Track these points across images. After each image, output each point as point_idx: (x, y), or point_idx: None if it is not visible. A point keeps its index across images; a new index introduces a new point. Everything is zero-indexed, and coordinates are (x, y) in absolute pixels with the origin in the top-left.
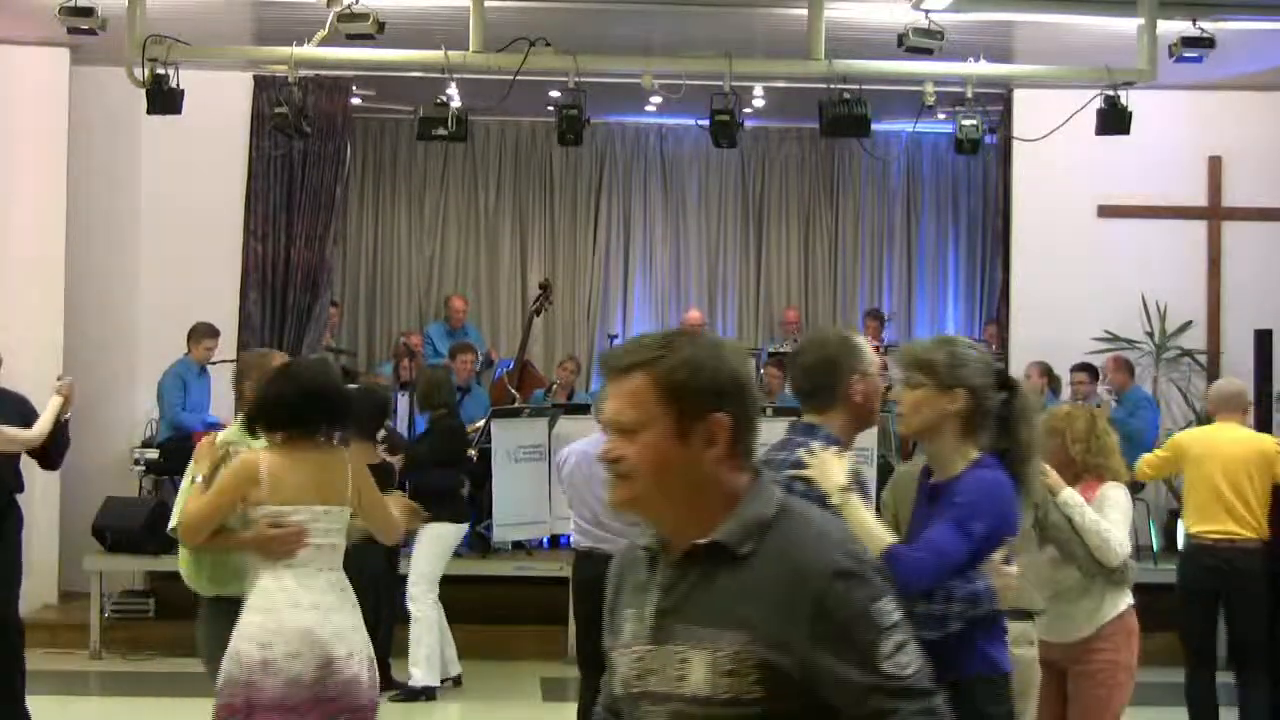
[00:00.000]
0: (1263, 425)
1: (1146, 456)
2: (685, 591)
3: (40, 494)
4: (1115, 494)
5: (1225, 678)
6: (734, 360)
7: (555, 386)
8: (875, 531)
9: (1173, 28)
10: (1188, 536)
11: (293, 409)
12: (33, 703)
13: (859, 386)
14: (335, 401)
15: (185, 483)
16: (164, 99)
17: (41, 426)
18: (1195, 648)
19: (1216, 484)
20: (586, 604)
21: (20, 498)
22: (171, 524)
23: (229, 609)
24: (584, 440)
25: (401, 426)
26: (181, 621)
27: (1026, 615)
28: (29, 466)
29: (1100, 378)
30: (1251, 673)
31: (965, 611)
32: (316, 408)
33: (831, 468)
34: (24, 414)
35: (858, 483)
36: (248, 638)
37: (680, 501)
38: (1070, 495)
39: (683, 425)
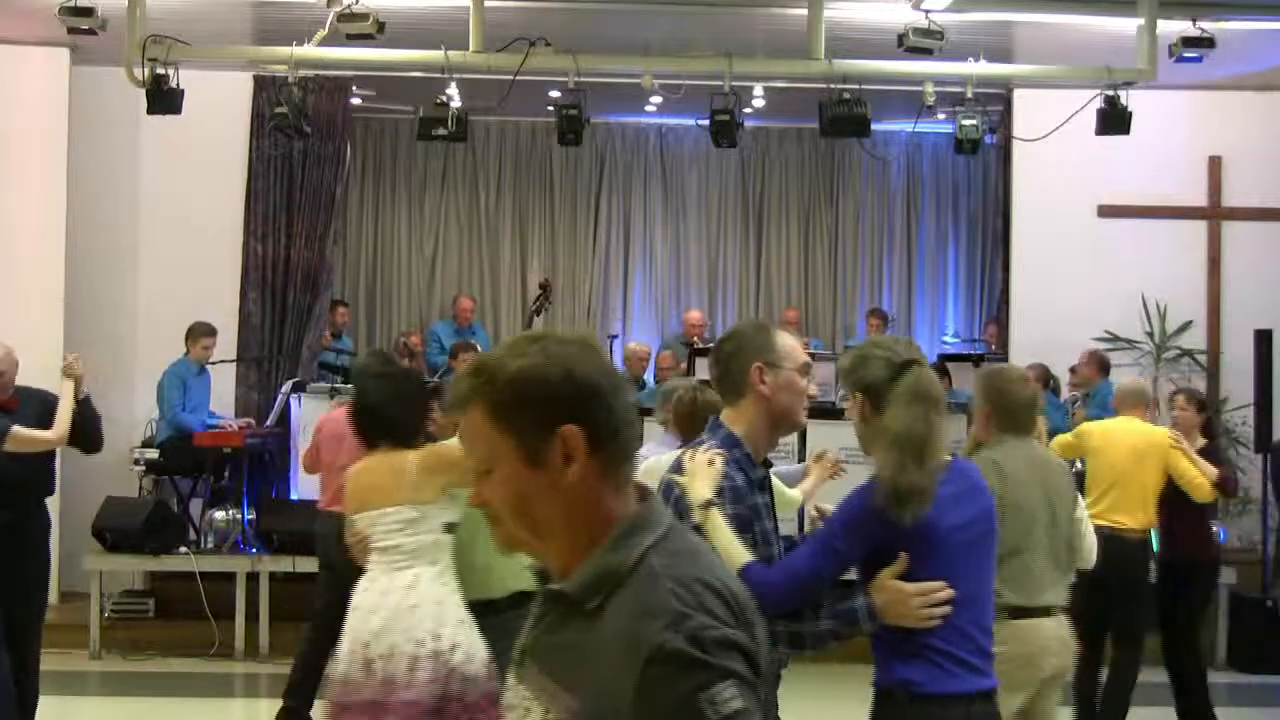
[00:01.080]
0: (1263, 427)
1: (1060, 438)
2: (544, 631)
3: None
4: None
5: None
6: (575, 361)
7: None
8: (732, 550)
9: (1173, 28)
10: None
11: (355, 421)
12: None
13: (766, 378)
14: (377, 413)
15: None
16: (164, 99)
17: (61, 420)
18: (1083, 634)
19: (1109, 474)
20: None
21: None
22: None
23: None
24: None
25: None
26: (181, 621)
27: (1046, 612)
28: None
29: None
30: (1128, 654)
31: (839, 631)
32: (368, 420)
33: (699, 478)
34: (50, 411)
35: (732, 490)
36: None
37: (555, 535)
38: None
39: (529, 448)
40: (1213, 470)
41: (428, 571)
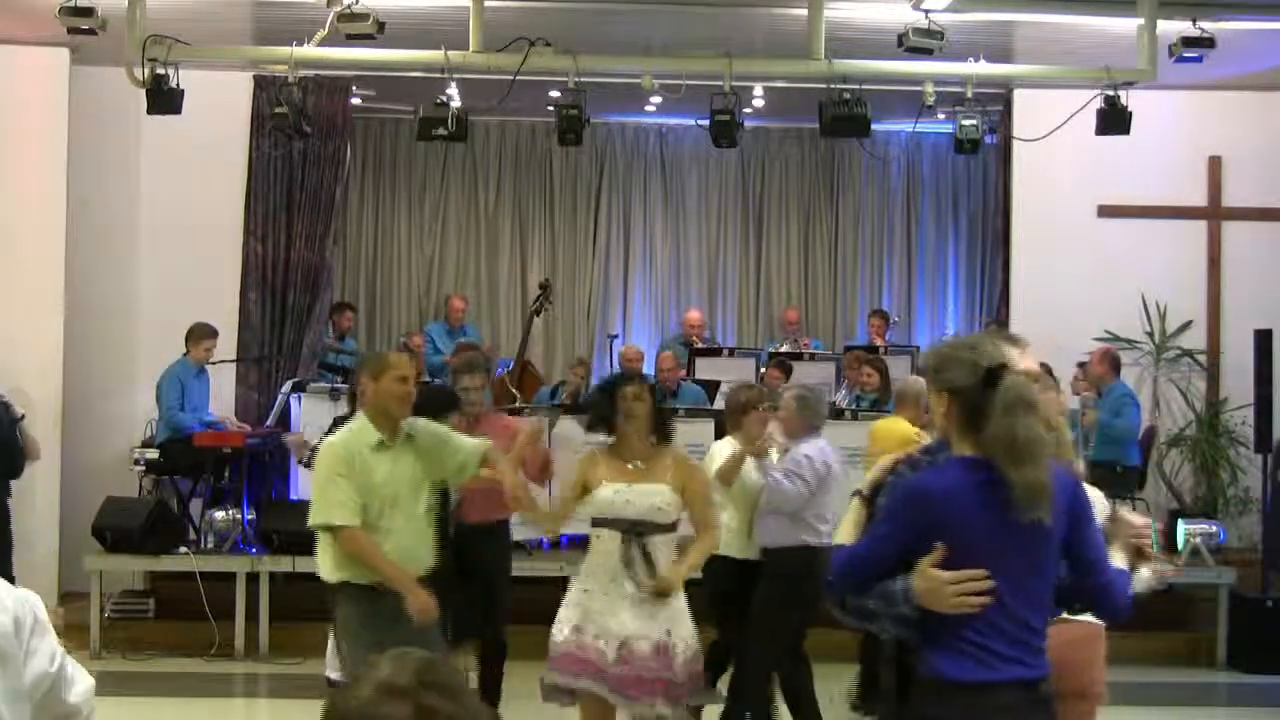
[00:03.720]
0: (1263, 427)
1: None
2: None
3: (40, 494)
4: None
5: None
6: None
7: (564, 386)
8: (843, 533)
9: (1173, 28)
10: None
11: None
12: None
13: None
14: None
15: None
16: (164, 99)
17: None
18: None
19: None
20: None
21: (20, 498)
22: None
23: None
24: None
25: None
26: (181, 621)
27: None
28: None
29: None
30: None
31: (882, 609)
32: None
33: (872, 471)
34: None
35: (893, 486)
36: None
37: None
38: None
39: None
40: None
41: None
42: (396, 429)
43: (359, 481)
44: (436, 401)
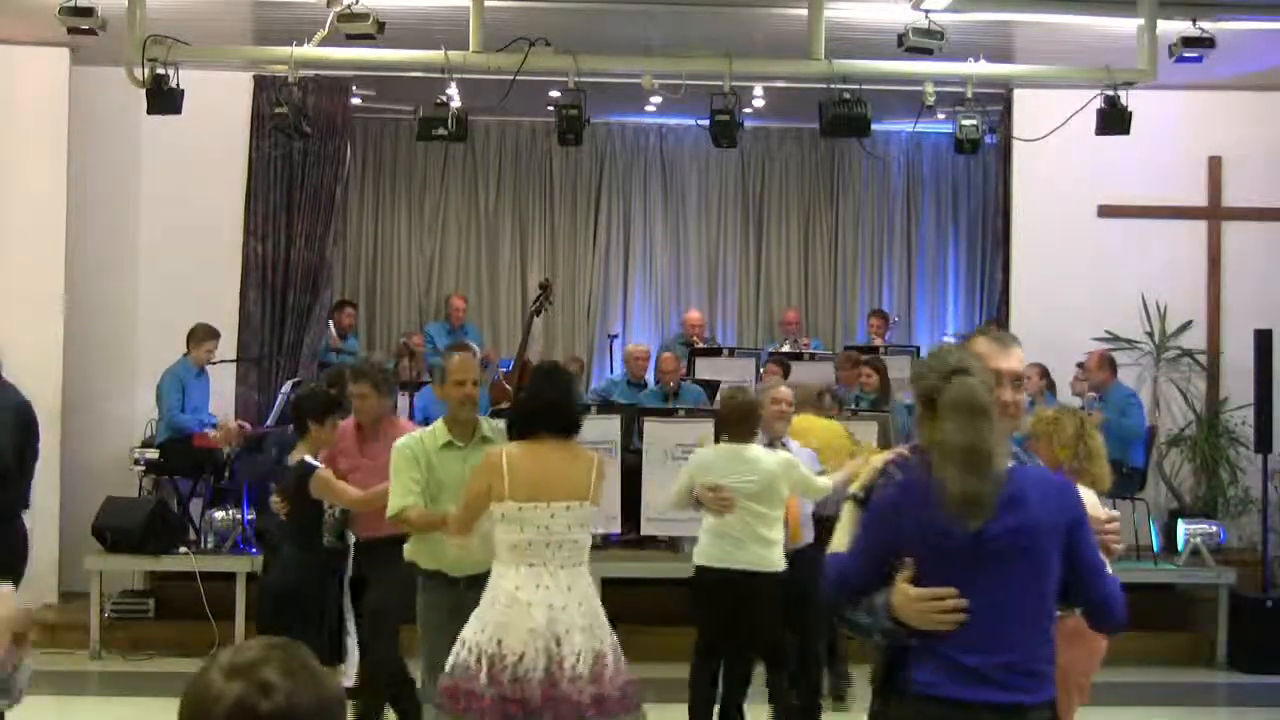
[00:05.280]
0: (1263, 427)
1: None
2: None
3: (40, 494)
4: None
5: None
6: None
7: None
8: (837, 539)
9: (1173, 28)
10: None
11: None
12: (33, 702)
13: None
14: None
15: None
16: (164, 99)
17: None
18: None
19: None
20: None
21: None
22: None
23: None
24: None
25: None
26: (181, 621)
27: None
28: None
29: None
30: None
31: (871, 623)
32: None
33: (860, 475)
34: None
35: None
36: (480, 628)
37: None
38: None
39: None
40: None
41: (587, 570)
42: (470, 430)
43: (424, 477)
44: (314, 404)
